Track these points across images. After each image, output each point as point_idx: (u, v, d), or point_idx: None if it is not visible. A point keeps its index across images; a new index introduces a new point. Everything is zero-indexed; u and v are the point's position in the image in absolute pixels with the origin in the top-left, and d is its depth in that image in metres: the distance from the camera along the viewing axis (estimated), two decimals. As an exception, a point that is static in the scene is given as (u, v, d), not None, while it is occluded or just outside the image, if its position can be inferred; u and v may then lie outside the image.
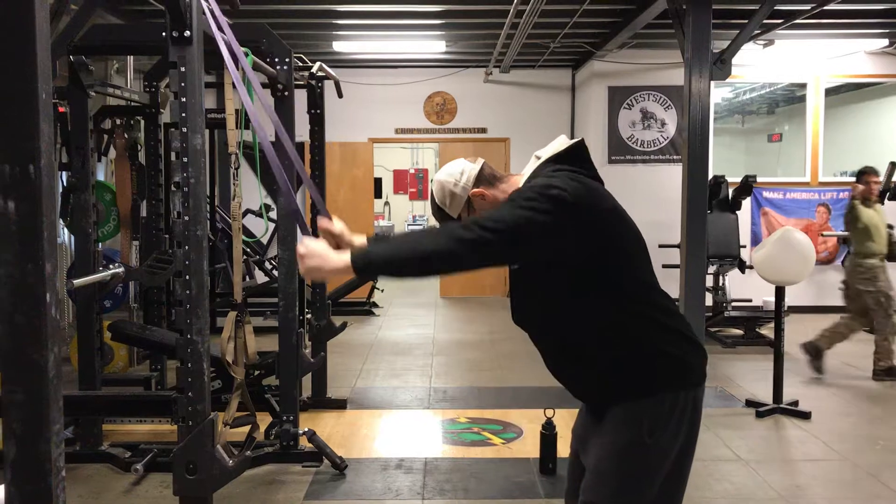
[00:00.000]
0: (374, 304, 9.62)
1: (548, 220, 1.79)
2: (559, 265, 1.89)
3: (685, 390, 1.92)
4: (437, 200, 2.09)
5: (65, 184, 5.30)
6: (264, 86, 4.24)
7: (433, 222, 2.18)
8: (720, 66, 5.67)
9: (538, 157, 2.04)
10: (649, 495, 1.90)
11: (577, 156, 2.01)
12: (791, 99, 10.93)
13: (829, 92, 9.42)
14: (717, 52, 5.66)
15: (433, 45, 9.02)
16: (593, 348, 1.93)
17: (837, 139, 10.02)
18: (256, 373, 4.68)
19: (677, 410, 1.90)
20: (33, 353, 1.37)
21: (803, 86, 9.36)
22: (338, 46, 8.96)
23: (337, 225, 1.99)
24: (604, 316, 1.91)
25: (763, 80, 9.77)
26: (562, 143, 2.04)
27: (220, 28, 2.42)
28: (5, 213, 1.35)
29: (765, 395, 5.39)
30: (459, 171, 2.07)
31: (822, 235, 8.95)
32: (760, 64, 9.03)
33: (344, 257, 1.81)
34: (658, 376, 1.91)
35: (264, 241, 9.71)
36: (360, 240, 1.97)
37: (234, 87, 3.20)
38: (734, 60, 5.76)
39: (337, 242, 1.99)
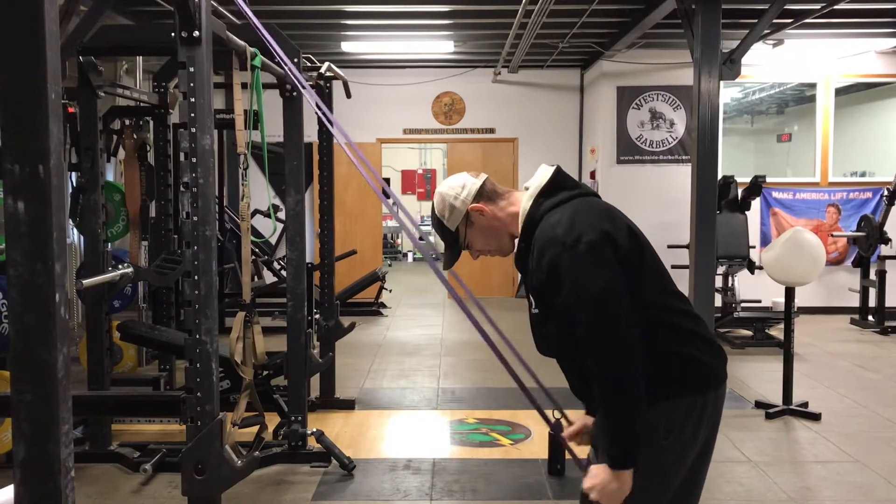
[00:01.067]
0: (383, 305, 9.62)
1: (613, 267, 1.83)
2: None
3: (703, 393, 1.92)
4: (436, 212, 2.12)
5: (74, 184, 5.32)
6: (272, 86, 4.26)
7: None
8: (729, 66, 5.65)
9: (527, 188, 2.07)
10: (665, 497, 1.89)
11: (562, 182, 2.04)
12: (801, 99, 10.88)
13: (839, 92, 9.38)
14: (726, 52, 5.64)
15: (441, 46, 9.02)
16: None
17: (847, 139, 9.97)
18: (265, 373, 4.68)
19: (695, 413, 1.89)
20: (43, 353, 1.37)
21: (813, 85, 9.31)
22: (346, 47, 8.97)
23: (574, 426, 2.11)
24: None
25: (772, 79, 9.73)
26: (545, 173, 2.06)
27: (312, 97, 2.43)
28: (15, 214, 1.35)
29: (774, 396, 5.37)
30: (461, 185, 2.10)
31: (832, 236, 8.91)
32: (770, 64, 8.99)
33: (621, 473, 1.81)
34: (678, 379, 1.90)
35: (273, 241, 9.74)
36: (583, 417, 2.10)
37: (243, 87, 3.20)
38: (743, 60, 5.74)
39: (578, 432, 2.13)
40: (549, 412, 2.17)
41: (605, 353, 1.79)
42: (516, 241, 2.06)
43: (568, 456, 2.19)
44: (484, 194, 2.09)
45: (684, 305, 1.99)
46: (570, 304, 1.84)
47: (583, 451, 2.07)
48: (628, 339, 1.80)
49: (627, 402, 1.79)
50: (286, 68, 2.35)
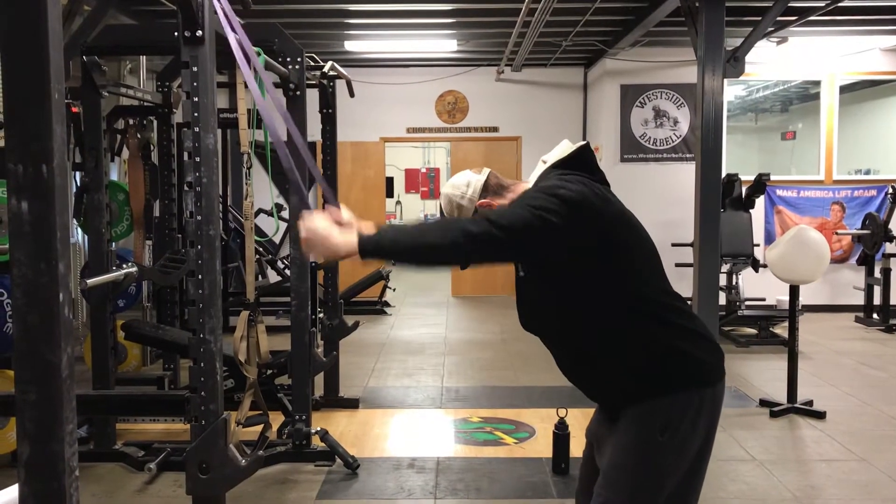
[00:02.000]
0: (386, 304, 9.62)
1: (555, 219, 1.79)
2: (566, 270, 1.89)
3: (700, 389, 1.91)
4: (445, 214, 2.11)
5: (78, 184, 5.33)
6: (276, 85, 4.25)
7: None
8: (733, 64, 5.64)
9: (544, 162, 2.05)
10: (663, 494, 1.89)
11: (582, 160, 2.02)
12: (805, 96, 10.85)
13: (844, 89, 9.35)
14: (730, 50, 5.63)
15: (445, 44, 9.01)
16: (606, 353, 1.93)
17: (852, 137, 9.94)
18: (269, 372, 4.68)
19: (692, 409, 1.88)
20: (47, 353, 1.38)
21: (817, 83, 9.29)
22: (349, 46, 8.97)
23: (345, 214, 1.98)
24: (614, 320, 1.90)
25: (776, 77, 9.70)
26: (567, 147, 2.04)
27: (232, 28, 2.42)
28: (18, 214, 1.35)
29: (779, 394, 5.36)
30: (465, 183, 2.09)
31: (837, 234, 8.90)
32: (774, 61, 8.97)
33: (350, 238, 1.81)
34: (672, 375, 1.90)
35: (276, 240, 9.74)
36: (368, 227, 1.98)
37: (246, 86, 3.20)
38: (747, 58, 5.73)
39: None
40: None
41: (470, 235, 1.75)
42: None
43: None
44: (489, 189, 2.07)
45: (680, 303, 1.99)
46: (504, 207, 1.85)
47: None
48: (479, 253, 1.79)
49: (429, 252, 1.79)
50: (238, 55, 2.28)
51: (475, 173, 2.11)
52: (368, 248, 1.80)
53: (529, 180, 2.05)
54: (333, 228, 1.84)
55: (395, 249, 1.81)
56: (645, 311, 1.89)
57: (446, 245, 1.77)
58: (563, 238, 1.83)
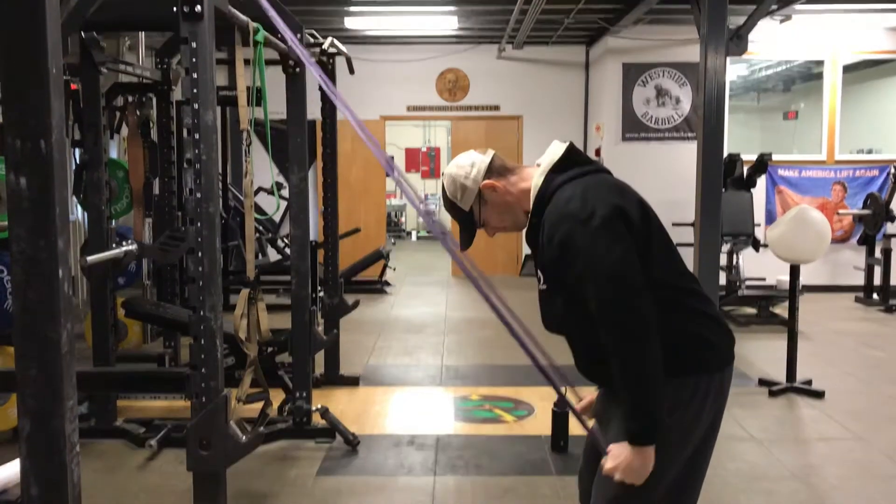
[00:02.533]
0: (387, 283, 9.63)
1: (627, 239, 1.83)
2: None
3: (709, 373, 1.91)
4: (448, 194, 2.09)
5: (77, 161, 5.32)
6: (275, 62, 4.23)
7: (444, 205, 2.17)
8: (736, 43, 5.59)
9: (538, 165, 2.04)
10: (666, 476, 1.89)
11: (575, 158, 2.02)
12: (808, 76, 10.79)
13: (847, 68, 9.28)
14: (733, 28, 5.58)
15: (445, 21, 8.95)
16: None
17: (855, 117, 9.89)
18: (269, 350, 4.69)
19: (700, 393, 1.89)
20: (47, 329, 1.38)
21: (820, 62, 9.23)
22: (349, 23, 8.91)
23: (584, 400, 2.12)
24: None
25: (780, 56, 9.65)
26: (559, 148, 2.04)
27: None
28: (17, 189, 1.35)
29: (778, 374, 5.37)
30: (470, 164, 2.07)
31: (838, 214, 8.88)
32: (777, 40, 8.90)
33: (643, 447, 1.80)
34: (684, 360, 1.89)
35: (276, 218, 9.74)
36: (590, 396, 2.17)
37: (245, 63, 3.18)
38: (750, 36, 5.68)
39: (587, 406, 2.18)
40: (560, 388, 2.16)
41: (623, 328, 1.78)
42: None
43: (580, 431, 2.19)
44: (494, 170, 2.06)
45: (694, 285, 1.99)
46: (584, 278, 1.83)
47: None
48: (645, 313, 1.78)
49: (646, 377, 1.77)
50: (291, 44, 2.32)
51: (479, 154, 2.09)
52: (653, 429, 1.80)
53: (532, 180, 2.02)
54: (625, 452, 1.82)
55: (651, 398, 1.79)
56: (660, 296, 1.88)
57: (640, 353, 1.78)
58: (633, 244, 1.86)
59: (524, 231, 2.07)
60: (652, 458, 1.80)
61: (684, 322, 1.91)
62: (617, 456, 1.83)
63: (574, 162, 2.01)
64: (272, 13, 2.39)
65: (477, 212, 2.09)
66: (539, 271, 1.99)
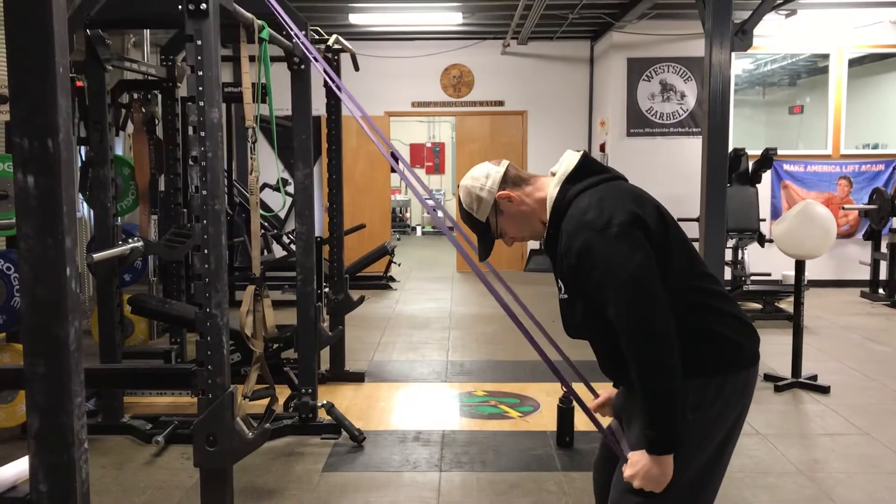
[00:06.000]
0: (392, 279, 9.64)
1: (645, 248, 1.83)
2: None
3: (734, 372, 1.90)
4: (464, 206, 2.10)
5: (83, 158, 5.33)
6: (280, 59, 4.23)
7: (452, 203, 2.17)
8: (741, 37, 5.57)
9: (553, 174, 2.04)
10: (689, 473, 1.87)
11: (590, 167, 2.02)
12: (813, 70, 10.75)
13: (853, 63, 9.25)
14: (738, 23, 5.56)
15: (450, 17, 8.94)
16: None
17: (860, 111, 9.86)
18: (275, 346, 4.71)
19: (724, 392, 1.88)
20: (54, 327, 1.38)
21: (826, 56, 9.19)
22: (354, 19, 8.91)
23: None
24: None
25: (785, 51, 9.62)
26: (573, 157, 2.04)
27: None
28: (25, 188, 1.35)
29: (784, 369, 5.37)
30: (485, 175, 2.07)
31: (844, 209, 8.86)
32: (782, 34, 8.88)
33: (662, 459, 1.81)
34: (708, 360, 1.89)
35: (282, 215, 9.75)
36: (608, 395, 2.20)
37: (251, 60, 3.19)
38: (756, 31, 5.66)
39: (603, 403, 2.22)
40: (572, 385, 2.15)
41: (642, 336, 1.78)
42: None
43: (586, 427, 2.19)
44: (509, 181, 2.06)
45: (716, 286, 1.98)
46: (603, 287, 1.83)
47: (604, 423, 2.07)
48: (664, 320, 1.78)
49: (666, 385, 1.78)
50: (298, 40, 2.32)
51: (494, 165, 2.09)
52: (671, 439, 1.80)
53: (549, 190, 2.02)
54: (643, 461, 1.83)
55: (670, 407, 1.79)
56: (682, 299, 1.88)
57: (664, 363, 1.78)
58: (652, 253, 1.85)
59: (542, 241, 2.07)
60: (671, 466, 1.80)
61: (709, 322, 1.91)
62: (635, 463, 1.84)
63: (589, 171, 2.01)
64: (278, 8, 2.39)
65: (494, 222, 2.09)
66: (559, 281, 1.99)
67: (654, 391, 1.79)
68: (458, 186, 2.14)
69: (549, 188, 2.02)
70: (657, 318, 1.78)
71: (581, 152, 2.06)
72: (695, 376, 1.85)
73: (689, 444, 1.86)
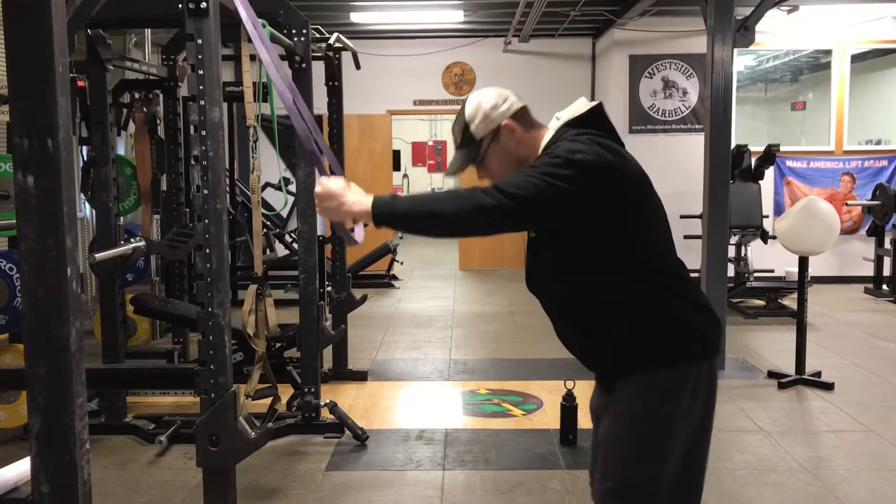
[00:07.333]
0: (394, 277, 9.64)
1: (571, 188, 1.75)
2: (578, 234, 1.85)
3: (698, 362, 1.87)
4: (465, 115, 2.02)
5: (85, 158, 5.32)
6: (282, 58, 4.23)
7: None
8: (743, 34, 5.57)
9: (558, 119, 1.98)
10: (665, 469, 1.85)
11: (597, 119, 1.95)
12: (815, 66, 10.72)
13: (855, 58, 9.23)
14: (740, 19, 5.56)
15: (451, 15, 8.93)
16: (607, 318, 1.88)
17: (863, 107, 9.83)
18: (277, 345, 4.71)
19: (690, 382, 1.84)
20: (55, 327, 1.38)
21: (828, 52, 9.17)
22: (355, 17, 8.90)
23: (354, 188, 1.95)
24: (620, 287, 1.86)
25: (787, 47, 9.60)
26: (583, 104, 1.98)
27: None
28: (25, 188, 1.35)
29: (787, 366, 5.36)
30: (503, 98, 2.01)
31: (847, 205, 8.84)
32: (784, 31, 8.85)
33: (365, 201, 1.80)
34: (671, 346, 1.86)
35: (284, 214, 9.75)
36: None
37: (251, 59, 3.18)
38: (758, 27, 5.65)
39: None
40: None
41: (483, 207, 1.72)
42: None
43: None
44: (521, 117, 2.01)
45: (685, 273, 1.95)
46: (539, 164, 1.79)
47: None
48: (492, 224, 1.77)
49: (443, 222, 1.77)
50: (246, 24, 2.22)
51: (515, 96, 2.04)
52: (385, 212, 1.78)
53: (560, 115, 1.97)
54: (349, 192, 1.83)
55: (409, 217, 1.79)
56: (652, 279, 1.85)
57: (462, 217, 1.74)
58: (577, 204, 1.78)
59: None
60: (354, 210, 1.81)
61: (677, 309, 1.87)
62: (339, 190, 1.85)
63: (597, 123, 1.94)
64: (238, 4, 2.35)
65: (485, 146, 2.01)
66: None
67: (434, 208, 1.77)
68: (469, 95, 2.07)
69: (549, 129, 1.98)
70: (506, 215, 1.74)
71: (597, 103, 1.99)
72: (658, 366, 1.83)
73: (660, 437, 1.83)
